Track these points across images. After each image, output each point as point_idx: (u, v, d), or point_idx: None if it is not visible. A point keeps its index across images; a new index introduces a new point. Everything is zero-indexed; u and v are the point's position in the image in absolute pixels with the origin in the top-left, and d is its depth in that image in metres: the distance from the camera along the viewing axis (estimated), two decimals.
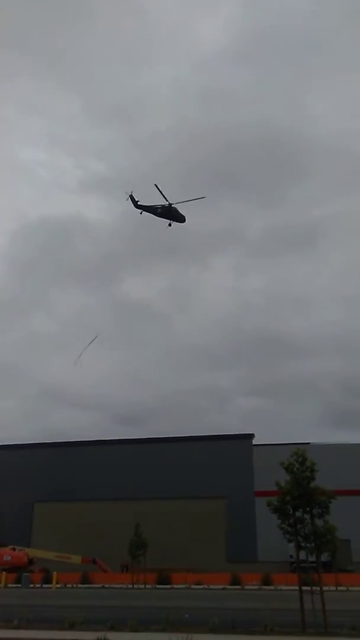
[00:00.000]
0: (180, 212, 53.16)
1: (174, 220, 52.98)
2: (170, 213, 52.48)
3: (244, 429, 73.36)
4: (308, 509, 19.50)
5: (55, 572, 52.71)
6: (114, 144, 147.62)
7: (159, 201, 52.86)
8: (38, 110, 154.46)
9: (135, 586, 50.28)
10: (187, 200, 53.22)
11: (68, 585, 52.71)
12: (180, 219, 53.10)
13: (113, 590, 46.98)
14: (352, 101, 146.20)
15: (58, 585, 50.85)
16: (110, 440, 76.92)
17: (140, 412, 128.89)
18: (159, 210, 52.54)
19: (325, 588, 19.62)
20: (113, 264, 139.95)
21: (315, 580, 19.75)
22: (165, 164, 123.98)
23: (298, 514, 19.65)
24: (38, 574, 57.90)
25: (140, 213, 53.23)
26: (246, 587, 48.51)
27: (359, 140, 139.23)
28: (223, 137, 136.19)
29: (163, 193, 51.24)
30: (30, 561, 62.55)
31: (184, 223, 53.92)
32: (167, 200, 51.98)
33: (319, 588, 18.97)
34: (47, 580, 53.69)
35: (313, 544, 19.51)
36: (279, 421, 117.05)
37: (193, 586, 49.87)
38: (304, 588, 19.22)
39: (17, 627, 19.39)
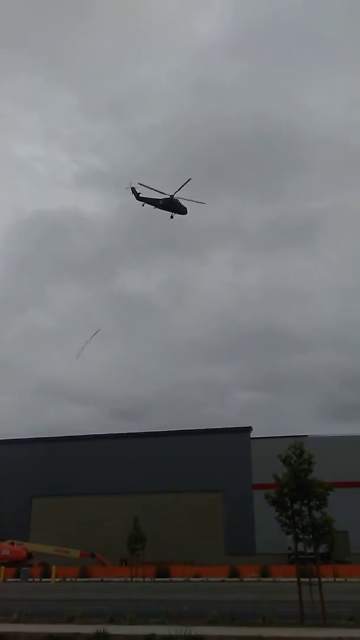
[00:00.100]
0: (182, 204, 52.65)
1: (175, 212, 52.53)
2: (172, 205, 52.02)
3: (242, 422, 73.49)
4: (306, 501, 19.55)
5: (54, 566, 52.87)
6: (110, 138, 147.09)
7: (154, 194, 52.43)
8: (34, 106, 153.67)
9: (134, 579, 50.44)
10: (188, 199, 52.74)
11: (67, 579, 52.84)
12: (182, 210, 52.65)
13: (112, 584, 47.12)
14: (349, 94, 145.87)
15: (57, 579, 50.97)
16: (108, 434, 76.98)
17: (138, 406, 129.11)
18: (160, 202, 52.12)
19: (323, 579, 19.70)
20: (110, 258, 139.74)
21: (313, 572, 19.83)
22: (162, 157, 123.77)
23: (296, 506, 19.70)
24: (37, 568, 58.08)
25: (142, 205, 52.76)
26: (245, 579, 48.70)
27: (355, 133, 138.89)
28: (219, 131, 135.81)
29: (155, 189, 50.87)
30: (29, 555, 62.76)
31: (186, 215, 53.38)
32: (164, 194, 51.57)
33: (317, 579, 19.05)
34: (46, 574, 53.84)
35: (311, 536, 19.58)
36: (277, 414, 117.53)
37: (192, 579, 50.01)
38: (302, 580, 19.30)
39: (17, 621, 19.43)
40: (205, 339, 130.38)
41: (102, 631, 16.27)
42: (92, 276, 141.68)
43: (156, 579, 51.01)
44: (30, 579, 53.17)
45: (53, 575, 50.99)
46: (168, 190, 52.34)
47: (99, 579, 53.37)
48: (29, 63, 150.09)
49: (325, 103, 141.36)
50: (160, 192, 51.65)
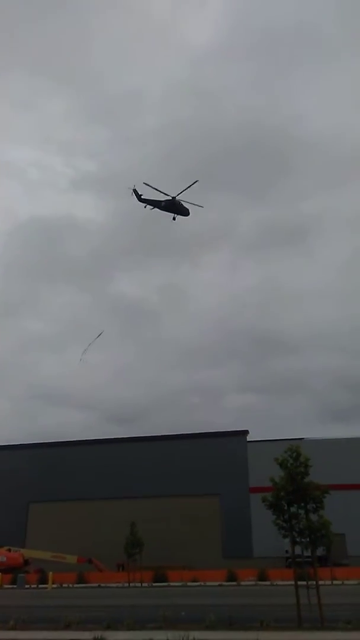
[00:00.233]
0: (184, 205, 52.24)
1: (178, 214, 52.14)
2: (174, 207, 51.60)
3: (239, 426, 73.40)
4: (302, 504, 19.53)
5: (51, 572, 52.67)
6: (105, 143, 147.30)
7: (156, 196, 51.90)
8: (29, 110, 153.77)
9: (131, 585, 50.25)
10: (184, 189, 52.15)
11: (64, 585, 52.61)
12: (185, 212, 52.25)
13: (109, 590, 46.95)
14: (340, 97, 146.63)
15: (54, 586, 50.77)
16: (105, 439, 76.86)
17: (133, 410, 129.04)
18: (162, 204, 51.76)
19: (320, 582, 19.67)
20: (105, 262, 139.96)
21: (310, 575, 19.80)
22: (156, 161, 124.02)
23: (293, 509, 19.66)
24: (34, 574, 57.81)
25: (145, 207, 52.32)
26: (242, 583, 48.60)
27: (348, 135, 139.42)
28: (214, 134, 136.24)
29: (159, 189, 50.34)
30: (26, 562, 62.45)
31: (188, 216, 52.91)
32: (166, 195, 51.02)
33: (314, 582, 19.02)
34: (43, 580, 53.61)
35: (308, 539, 19.54)
36: (273, 417, 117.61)
37: (189, 583, 49.91)
38: (299, 583, 19.26)
39: (14, 628, 19.31)
40: (201, 342, 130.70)
41: (99, 637, 16.23)
42: (87, 281, 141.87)
43: (153, 584, 50.86)
44: (27, 586, 52.90)
45: (50, 581, 50.77)
46: (169, 192, 51.98)
47: (96, 584, 53.18)
48: (24, 67, 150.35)
49: (316, 107, 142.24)
50: (163, 193, 50.98)
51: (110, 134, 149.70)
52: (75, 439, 78.31)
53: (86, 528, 68.51)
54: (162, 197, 51.45)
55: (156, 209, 52.45)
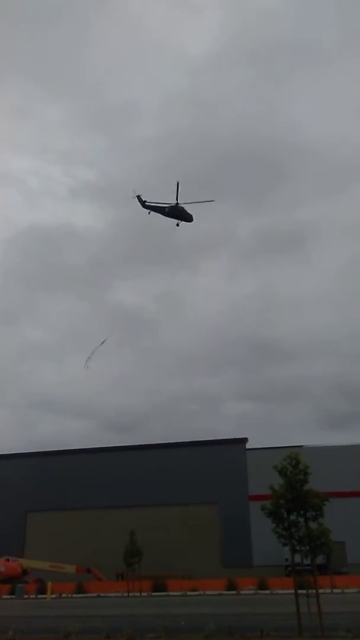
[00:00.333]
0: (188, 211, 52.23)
1: (181, 220, 52.09)
2: (177, 212, 51.65)
3: (238, 434, 73.22)
4: (302, 512, 19.51)
5: (49, 582, 52.37)
6: (103, 152, 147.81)
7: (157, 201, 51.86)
8: (27, 118, 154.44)
9: (130, 594, 50.00)
10: (195, 202, 52.18)
11: (63, 595, 52.31)
12: (188, 218, 52.16)
13: (108, 599, 46.71)
14: (337, 105, 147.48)
15: (53, 596, 50.47)
16: (103, 447, 76.60)
17: (132, 418, 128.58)
18: (166, 210, 51.82)
19: (320, 591, 19.63)
20: (104, 271, 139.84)
21: (310, 583, 19.75)
22: (154, 169, 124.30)
23: (292, 517, 19.64)
24: (32, 584, 57.47)
25: (149, 213, 52.32)
26: (242, 592, 48.40)
27: (346, 142, 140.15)
28: (212, 142, 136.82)
29: (178, 192, 50.09)
30: (25, 572, 62.09)
31: (192, 222, 52.89)
32: (175, 200, 50.94)
33: (314, 591, 18.97)
34: (42, 590, 53.30)
35: (308, 547, 19.51)
36: (272, 425, 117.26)
37: (189, 593, 49.67)
38: (299, 591, 19.21)
39: (13, 639, 19.24)
40: (200, 349, 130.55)
41: None
42: (85, 289, 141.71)
43: (153, 594, 50.62)
44: (26, 596, 52.59)
45: (49, 591, 50.48)
46: (167, 200, 51.95)
47: (95, 594, 52.88)
48: (22, 76, 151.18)
49: (314, 114, 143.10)
50: (176, 196, 50.74)
51: (109, 142, 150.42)
52: (73, 448, 78.03)
53: (85, 537, 68.18)
54: (166, 204, 51.46)
55: (159, 215, 52.45)
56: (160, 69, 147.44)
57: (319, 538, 19.25)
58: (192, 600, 41.53)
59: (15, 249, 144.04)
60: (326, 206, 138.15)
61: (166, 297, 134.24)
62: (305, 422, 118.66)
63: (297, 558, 20.14)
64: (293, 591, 19.52)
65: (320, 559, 23.87)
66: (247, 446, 71.80)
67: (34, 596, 53.12)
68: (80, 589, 54.80)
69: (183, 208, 51.45)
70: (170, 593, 50.68)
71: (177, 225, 52.19)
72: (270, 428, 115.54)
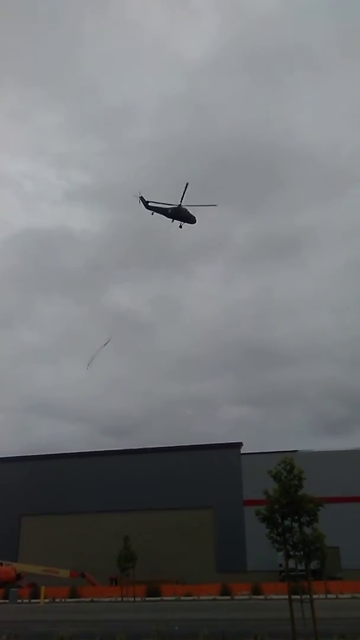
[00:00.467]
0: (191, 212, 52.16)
1: (184, 222, 52.06)
2: (180, 214, 51.61)
3: (232, 438, 73.20)
4: (296, 517, 19.49)
5: (43, 587, 52.16)
6: (99, 155, 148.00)
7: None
8: (23, 122, 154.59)
9: (124, 599, 49.81)
10: (197, 205, 52.08)
11: (56, 600, 52.07)
12: (191, 219, 52.11)
13: (102, 604, 46.53)
14: (332, 111, 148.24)
15: (46, 600, 50.27)
16: (98, 451, 76.43)
17: (127, 422, 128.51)
18: (169, 211, 51.76)
19: (315, 596, 19.60)
20: (99, 274, 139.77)
21: (305, 589, 19.73)
22: (150, 173, 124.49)
23: (287, 522, 19.61)
24: (26, 588, 57.23)
25: (152, 214, 52.21)
26: (236, 597, 48.32)
27: (341, 148, 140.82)
28: (208, 147, 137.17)
29: (184, 194, 49.99)
30: (18, 576, 61.81)
31: (194, 224, 52.83)
32: (180, 201, 50.83)
33: (308, 596, 18.96)
34: (36, 595, 53.05)
35: (302, 552, 19.48)
36: (267, 429, 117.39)
37: (183, 597, 49.53)
38: (293, 597, 19.19)
39: None
40: (195, 353, 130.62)
41: None
42: (81, 292, 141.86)
43: (147, 598, 50.44)
44: (19, 600, 52.34)
45: (42, 596, 50.27)
46: (165, 202, 51.86)
47: (89, 599, 52.63)
48: (18, 79, 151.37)
49: (310, 120, 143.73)
50: (182, 197, 50.65)
51: (105, 146, 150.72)
52: (68, 451, 77.92)
53: (79, 541, 67.97)
54: (168, 205, 51.41)
55: (156, 219, 52.38)
56: (158, 73, 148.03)
57: (313, 543, 19.22)
58: (186, 605, 41.43)
59: (11, 251, 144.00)
60: (322, 211, 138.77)
61: (162, 301, 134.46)
62: (300, 426, 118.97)
63: (292, 563, 20.12)
64: (287, 596, 19.51)
65: (314, 565, 23.91)
66: (242, 451, 71.86)
67: (27, 601, 52.87)
68: (73, 594, 54.56)
69: (186, 209, 51.38)
70: (164, 598, 50.55)
71: (180, 226, 52.18)
72: (265, 432, 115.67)
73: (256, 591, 49.66)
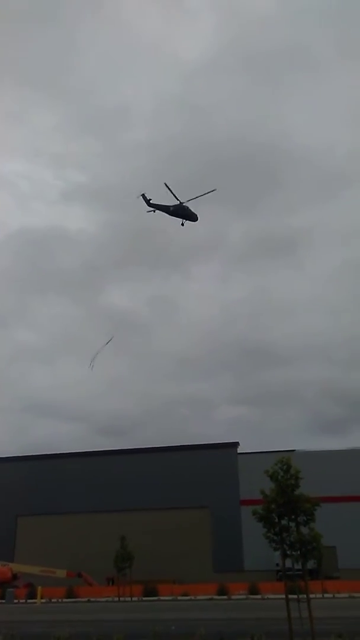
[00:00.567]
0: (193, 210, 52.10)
1: (186, 219, 51.96)
2: (182, 211, 51.57)
3: (229, 438, 73.15)
4: (293, 516, 19.49)
5: (40, 587, 52.10)
6: (95, 155, 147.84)
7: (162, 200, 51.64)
8: (19, 122, 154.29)
9: (121, 599, 49.81)
10: (198, 196, 51.85)
11: (53, 600, 52.05)
12: (193, 217, 52.07)
13: (99, 604, 46.53)
14: (329, 112, 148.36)
15: (43, 600, 50.23)
16: (94, 451, 76.30)
17: (124, 423, 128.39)
18: (171, 209, 51.68)
19: (311, 596, 19.62)
20: (95, 274, 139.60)
21: (301, 588, 19.74)
22: (147, 173, 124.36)
23: (283, 522, 19.62)
24: (23, 589, 57.14)
25: (154, 212, 52.15)
26: (233, 597, 48.33)
27: (337, 150, 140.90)
28: (204, 147, 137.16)
29: (173, 192, 50.01)
30: (15, 576, 61.66)
31: (196, 222, 52.72)
32: (177, 200, 50.83)
33: (305, 596, 18.97)
34: (32, 595, 52.99)
35: (299, 552, 19.49)
36: (264, 429, 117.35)
37: (180, 597, 49.55)
38: (290, 596, 19.20)
39: None
40: (192, 354, 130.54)
41: None
42: (77, 292, 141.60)
43: (144, 598, 50.45)
44: (16, 601, 52.28)
45: (39, 596, 50.22)
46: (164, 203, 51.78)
47: (86, 599, 52.61)
48: (14, 80, 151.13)
49: (306, 121, 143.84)
50: (174, 196, 50.55)
51: (102, 146, 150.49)
52: (65, 452, 77.79)
53: (76, 541, 67.86)
54: (171, 203, 51.34)
55: (154, 218, 52.34)
56: (154, 73, 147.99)
57: (310, 543, 19.23)
58: (183, 605, 41.44)
59: (6, 251, 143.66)
60: (319, 212, 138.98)
61: (159, 301, 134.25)
62: (297, 426, 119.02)
63: (288, 563, 20.12)
64: (284, 596, 19.53)
65: (311, 564, 23.92)
66: (239, 450, 71.83)
67: (24, 601, 52.81)
68: (70, 594, 54.56)
69: (188, 207, 51.38)
70: (161, 598, 50.56)
71: (182, 224, 52.14)
72: (262, 432, 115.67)
73: (253, 591, 49.72)
